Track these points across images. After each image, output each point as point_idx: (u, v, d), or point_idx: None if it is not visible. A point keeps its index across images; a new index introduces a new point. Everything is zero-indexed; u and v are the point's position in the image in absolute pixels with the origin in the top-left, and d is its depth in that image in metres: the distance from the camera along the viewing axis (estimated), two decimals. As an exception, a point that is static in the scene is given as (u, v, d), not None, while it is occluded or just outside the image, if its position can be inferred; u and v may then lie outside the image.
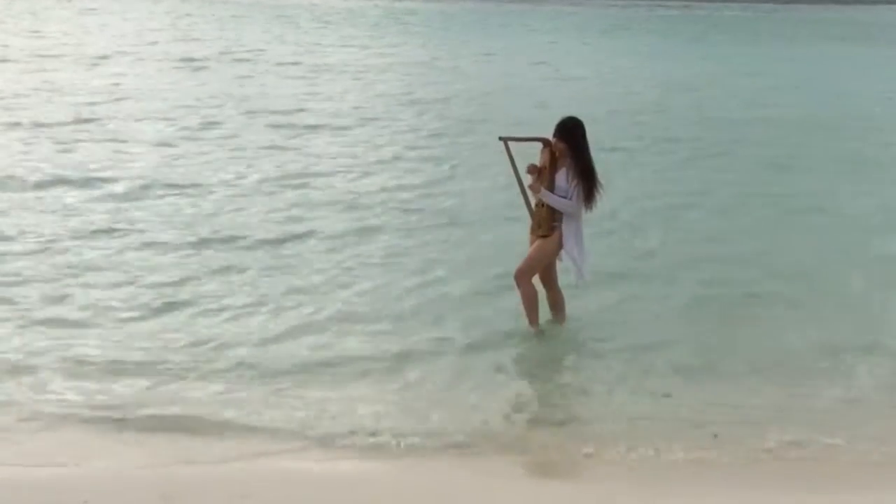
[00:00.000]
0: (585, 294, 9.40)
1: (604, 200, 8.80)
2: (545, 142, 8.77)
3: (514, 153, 8.95)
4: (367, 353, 8.45)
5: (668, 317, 9.62)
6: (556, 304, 9.16)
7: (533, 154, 8.87)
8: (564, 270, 9.06)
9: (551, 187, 8.67)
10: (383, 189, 14.34)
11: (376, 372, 8.14)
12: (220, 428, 7.04)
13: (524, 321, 8.91)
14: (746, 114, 23.62)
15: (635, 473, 6.63)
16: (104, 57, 30.97)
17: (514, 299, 8.98)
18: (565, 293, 9.15)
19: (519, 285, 8.85)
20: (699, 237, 12.39)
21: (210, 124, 19.43)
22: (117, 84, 24.89)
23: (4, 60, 28.98)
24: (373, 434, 7.01)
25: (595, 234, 10.13)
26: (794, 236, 12.50)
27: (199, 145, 17.31)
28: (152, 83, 25.37)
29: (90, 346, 8.39)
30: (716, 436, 7.11)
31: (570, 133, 8.68)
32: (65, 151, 16.31)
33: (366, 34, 46.86)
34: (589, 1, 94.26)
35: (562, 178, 8.67)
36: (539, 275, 8.99)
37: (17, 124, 18.50)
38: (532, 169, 8.75)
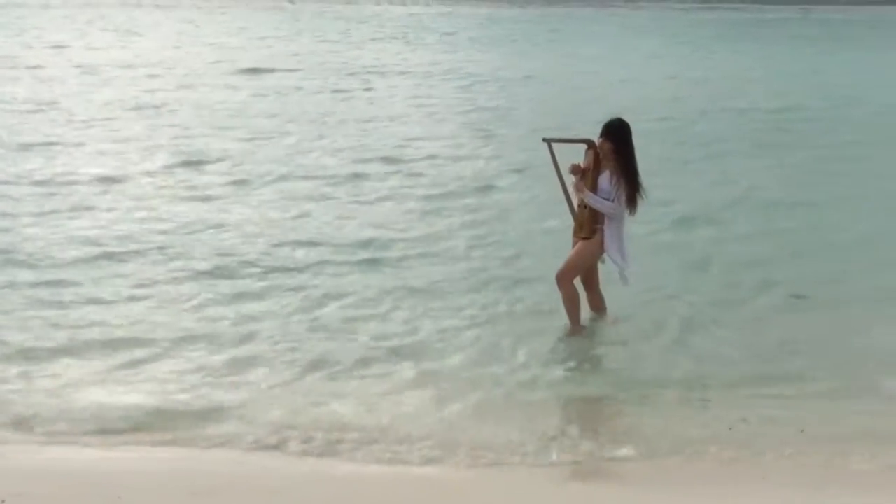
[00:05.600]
0: (628, 294, 9.27)
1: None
2: (589, 143, 8.69)
3: (557, 155, 8.88)
4: (407, 353, 8.45)
5: (715, 318, 9.45)
6: (598, 306, 9.09)
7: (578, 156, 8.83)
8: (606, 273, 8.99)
9: (594, 189, 8.59)
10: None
11: (407, 372, 8.11)
12: (251, 425, 7.07)
13: (564, 320, 8.86)
14: None
15: (672, 477, 6.54)
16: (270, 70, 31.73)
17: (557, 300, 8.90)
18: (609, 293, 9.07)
19: (560, 287, 8.77)
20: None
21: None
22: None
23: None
24: (402, 441, 6.92)
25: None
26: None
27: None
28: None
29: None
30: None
31: (617, 133, 8.58)
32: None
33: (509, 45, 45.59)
34: (648, 4, 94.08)
35: (605, 179, 8.58)
36: (580, 277, 8.90)
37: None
38: (575, 169, 8.67)
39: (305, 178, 15.51)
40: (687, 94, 27.51)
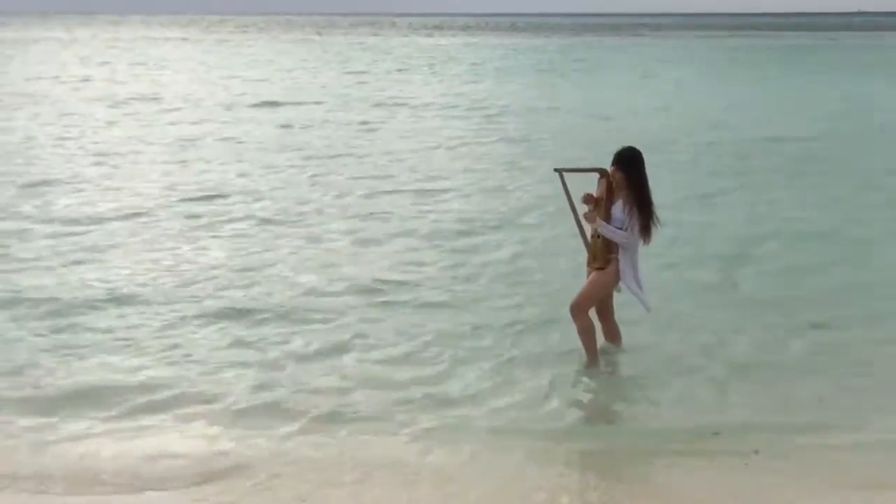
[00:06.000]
0: (650, 323, 9.29)
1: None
2: (602, 172, 8.63)
3: (569, 185, 8.83)
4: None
5: (736, 349, 9.35)
6: (613, 336, 9.01)
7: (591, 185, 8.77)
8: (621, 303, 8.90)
9: (608, 218, 8.52)
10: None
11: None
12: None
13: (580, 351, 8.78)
14: None
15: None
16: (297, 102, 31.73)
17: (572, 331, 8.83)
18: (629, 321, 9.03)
19: (575, 319, 8.68)
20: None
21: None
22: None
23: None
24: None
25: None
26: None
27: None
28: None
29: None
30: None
31: (628, 163, 8.51)
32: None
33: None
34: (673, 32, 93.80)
35: (618, 209, 8.50)
36: (595, 307, 8.81)
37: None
38: (588, 198, 8.59)
39: (328, 213, 15.37)
40: (717, 122, 27.30)
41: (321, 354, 9.17)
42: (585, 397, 8.37)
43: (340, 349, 9.30)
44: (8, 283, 11.27)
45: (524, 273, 11.97)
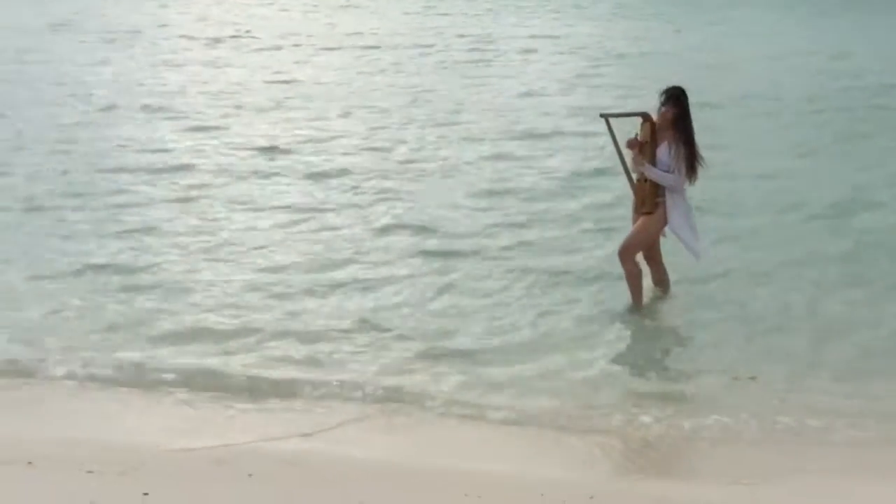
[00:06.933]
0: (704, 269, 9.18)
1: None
2: (645, 116, 8.58)
3: (615, 130, 8.79)
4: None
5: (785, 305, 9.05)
6: (661, 281, 8.97)
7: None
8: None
9: (653, 162, 8.47)
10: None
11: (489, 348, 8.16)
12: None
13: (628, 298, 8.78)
14: None
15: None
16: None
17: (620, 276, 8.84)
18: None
19: (623, 264, 8.67)
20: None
21: None
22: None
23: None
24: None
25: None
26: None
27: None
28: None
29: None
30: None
31: (679, 100, 8.47)
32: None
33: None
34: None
35: (663, 152, 8.46)
36: (643, 252, 8.81)
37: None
38: (632, 143, 8.54)
39: (441, 166, 14.53)
40: (826, 69, 26.05)
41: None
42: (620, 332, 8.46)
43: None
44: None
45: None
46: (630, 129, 8.74)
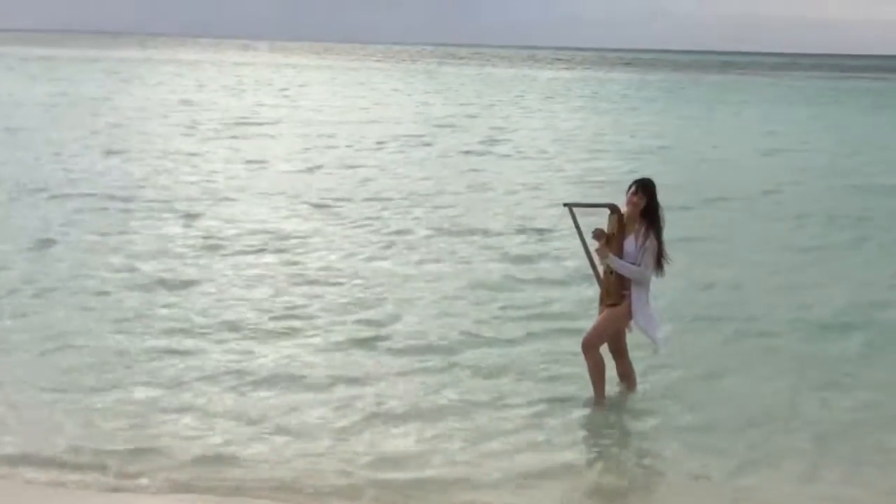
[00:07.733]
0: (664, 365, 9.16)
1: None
2: (613, 208, 8.53)
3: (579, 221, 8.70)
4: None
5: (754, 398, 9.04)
6: (626, 374, 8.85)
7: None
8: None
9: (620, 254, 8.39)
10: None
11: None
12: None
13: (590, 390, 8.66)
14: None
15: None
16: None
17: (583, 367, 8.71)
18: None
19: (586, 356, 8.56)
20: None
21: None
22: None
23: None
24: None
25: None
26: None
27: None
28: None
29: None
30: None
31: (649, 190, 8.42)
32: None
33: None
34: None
35: (630, 244, 8.40)
36: (608, 344, 8.69)
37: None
38: (599, 234, 8.46)
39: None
40: (836, 167, 26.17)
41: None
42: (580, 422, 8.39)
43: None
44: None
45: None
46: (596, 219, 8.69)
